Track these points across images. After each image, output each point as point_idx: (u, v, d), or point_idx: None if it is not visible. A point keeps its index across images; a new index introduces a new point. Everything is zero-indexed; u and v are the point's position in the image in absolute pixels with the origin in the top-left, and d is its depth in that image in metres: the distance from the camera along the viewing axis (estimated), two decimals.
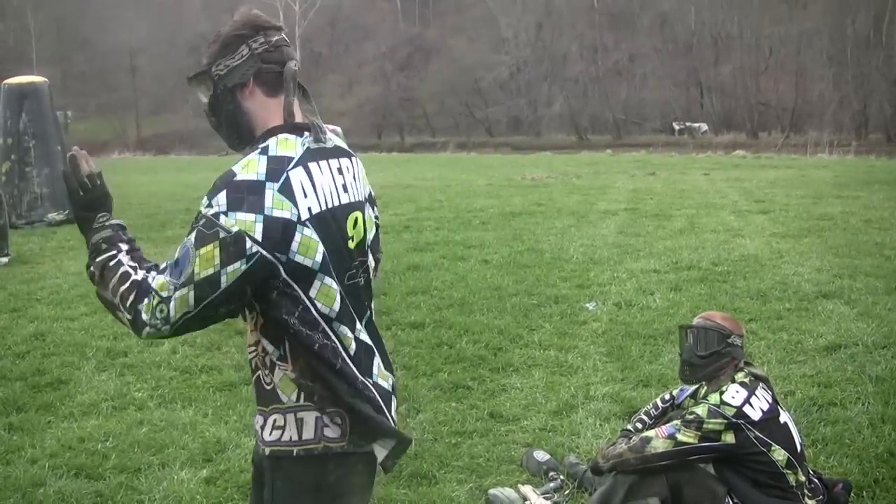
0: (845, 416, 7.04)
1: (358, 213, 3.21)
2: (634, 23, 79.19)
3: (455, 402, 7.66)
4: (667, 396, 5.89)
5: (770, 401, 5.13)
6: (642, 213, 20.13)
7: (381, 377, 3.27)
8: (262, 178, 2.94)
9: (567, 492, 5.86)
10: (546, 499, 5.77)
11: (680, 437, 4.99)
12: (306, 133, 3.12)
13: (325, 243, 2.99)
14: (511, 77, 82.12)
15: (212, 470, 6.33)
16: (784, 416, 5.16)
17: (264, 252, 2.86)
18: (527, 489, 5.85)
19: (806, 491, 5.06)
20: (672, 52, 77.43)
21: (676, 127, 70.56)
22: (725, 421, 4.94)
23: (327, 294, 3.03)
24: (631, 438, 5.29)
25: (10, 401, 7.92)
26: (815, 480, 5.23)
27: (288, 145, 3.05)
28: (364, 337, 3.22)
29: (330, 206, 3.04)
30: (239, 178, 2.95)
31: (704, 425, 4.96)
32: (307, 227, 2.95)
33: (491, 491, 5.82)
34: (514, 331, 9.89)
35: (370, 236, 3.30)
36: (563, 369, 8.53)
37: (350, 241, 3.14)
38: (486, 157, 55.15)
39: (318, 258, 2.98)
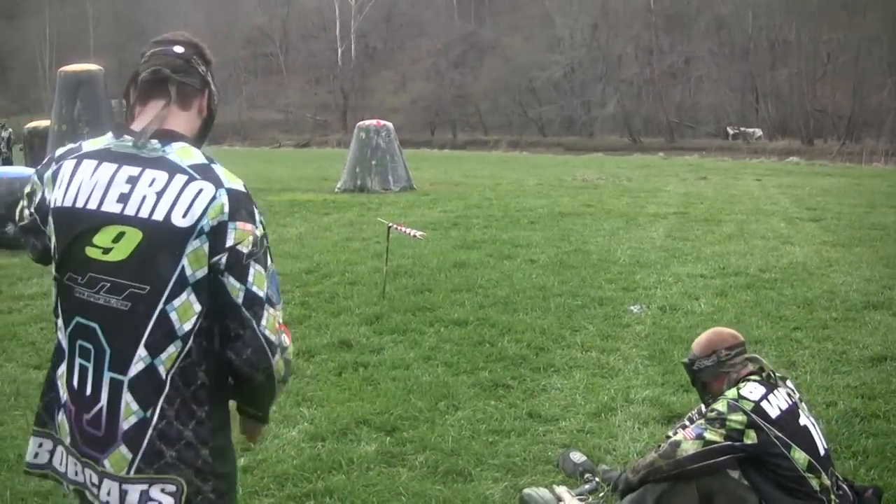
0: (888, 428, 6.96)
1: (130, 230, 2.98)
2: (691, 25, 78.73)
3: (494, 401, 7.64)
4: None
5: (789, 402, 5.10)
6: (692, 218, 20.05)
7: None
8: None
9: (602, 494, 5.83)
10: (580, 500, 5.75)
11: (707, 435, 4.96)
12: (125, 136, 3.10)
13: (56, 236, 3.10)
14: (565, 77, 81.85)
15: (249, 459, 6.35)
16: (804, 419, 5.12)
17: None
18: (561, 490, 5.83)
19: (833, 497, 5.02)
20: (728, 56, 76.87)
21: (730, 132, 70.03)
22: (745, 416, 4.93)
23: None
24: (660, 446, 5.28)
25: None
26: (844, 487, 5.18)
27: (96, 142, 3.18)
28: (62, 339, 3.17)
29: (78, 205, 3.03)
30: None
31: (727, 422, 4.94)
32: (51, 214, 3.11)
33: (525, 490, 5.81)
34: (556, 331, 9.86)
35: (158, 262, 2.96)
36: (605, 371, 8.50)
37: (92, 249, 3.02)
38: (537, 157, 55.17)
39: (51, 245, 3.15)
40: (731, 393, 5.09)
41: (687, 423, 5.66)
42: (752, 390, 5.06)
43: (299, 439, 6.73)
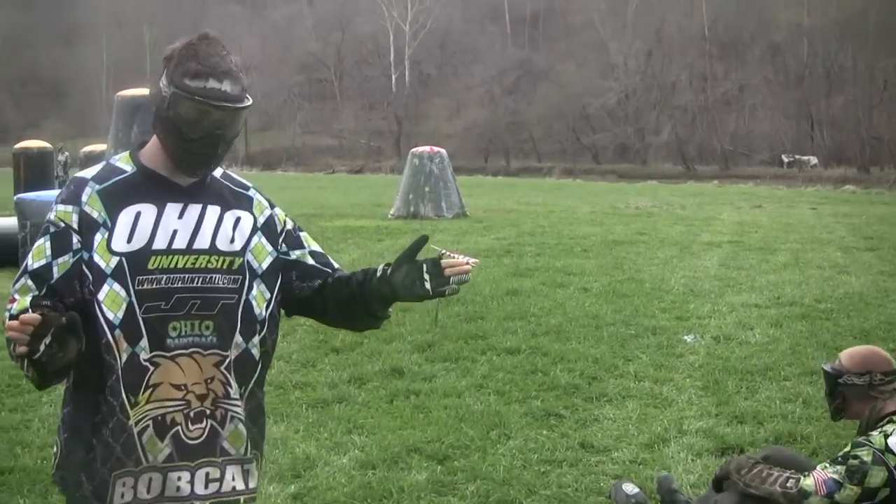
0: None
1: None
2: (745, 52, 78.50)
3: (546, 430, 7.60)
4: None
5: None
6: (746, 246, 19.92)
7: None
8: None
9: None
10: None
11: (839, 496, 4.66)
12: None
13: None
14: (619, 104, 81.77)
15: (300, 486, 6.36)
16: None
17: None
18: None
19: None
20: (783, 84, 76.55)
21: (785, 159, 69.67)
22: (887, 474, 4.64)
23: None
24: (788, 480, 4.98)
25: None
26: None
27: None
28: None
29: None
30: None
31: (866, 478, 4.64)
32: None
33: None
34: (609, 360, 9.80)
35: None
36: (658, 401, 8.43)
37: None
38: (590, 184, 55.13)
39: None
40: (878, 440, 4.75)
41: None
42: None
43: (350, 467, 6.72)
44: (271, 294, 3.39)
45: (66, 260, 3.12)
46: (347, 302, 3.45)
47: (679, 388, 8.88)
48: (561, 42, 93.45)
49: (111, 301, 3.10)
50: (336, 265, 3.59)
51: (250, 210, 3.41)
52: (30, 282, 3.10)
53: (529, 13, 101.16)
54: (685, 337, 10.93)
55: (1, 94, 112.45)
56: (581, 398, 8.51)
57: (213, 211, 3.29)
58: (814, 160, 68.58)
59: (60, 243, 3.13)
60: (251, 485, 3.34)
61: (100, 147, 33.90)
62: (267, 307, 3.37)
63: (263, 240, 3.40)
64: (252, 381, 3.36)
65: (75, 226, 3.13)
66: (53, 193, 19.26)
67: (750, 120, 77.77)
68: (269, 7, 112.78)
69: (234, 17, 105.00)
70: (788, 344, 10.45)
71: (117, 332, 3.10)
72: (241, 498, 3.32)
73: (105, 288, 3.10)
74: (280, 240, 3.46)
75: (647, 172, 68.44)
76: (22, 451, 7.10)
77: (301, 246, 3.52)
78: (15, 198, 18.97)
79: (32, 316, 2.82)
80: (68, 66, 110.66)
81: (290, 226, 3.52)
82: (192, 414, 3.20)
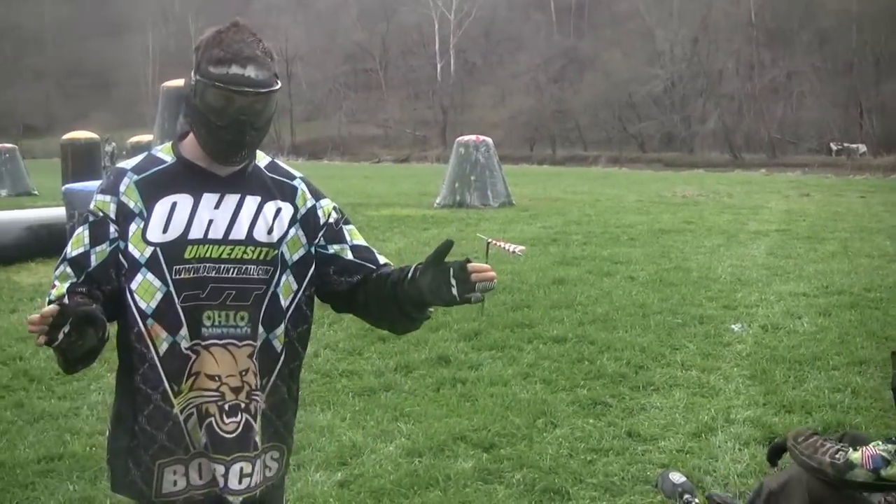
0: None
1: None
2: (793, 40, 77.68)
3: (593, 419, 7.60)
4: None
5: None
6: (794, 235, 19.79)
7: None
8: None
9: None
10: None
11: (886, 472, 4.67)
12: None
13: None
14: (665, 92, 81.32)
15: (346, 474, 6.40)
16: None
17: None
18: None
19: None
20: (831, 71, 75.76)
21: (834, 147, 69.02)
22: None
23: None
24: (838, 452, 4.94)
25: None
26: None
27: None
28: None
29: None
30: None
31: None
32: None
33: None
34: (656, 349, 9.78)
35: None
36: (705, 391, 8.40)
37: None
38: (637, 173, 54.95)
39: None
40: None
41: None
42: None
43: (396, 455, 6.75)
44: (299, 286, 3.40)
45: (104, 249, 3.17)
46: (385, 301, 3.42)
47: (726, 377, 8.84)
48: (606, 30, 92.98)
49: (144, 290, 3.16)
50: (381, 261, 3.57)
51: (293, 200, 3.42)
52: (69, 269, 3.16)
53: (575, 1, 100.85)
54: (732, 326, 10.88)
55: (49, 85, 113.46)
56: (628, 387, 8.50)
57: (251, 201, 3.30)
58: (863, 148, 67.87)
59: (98, 232, 3.19)
60: (260, 478, 3.37)
61: (146, 138, 34.00)
62: (293, 299, 3.39)
63: (300, 232, 3.40)
64: (274, 374, 3.37)
65: (112, 215, 3.19)
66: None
67: (798, 108, 77.09)
68: None
69: (279, 7, 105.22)
70: (837, 333, 10.37)
71: (150, 321, 3.16)
72: (257, 491, 3.35)
73: (138, 277, 3.16)
74: (319, 233, 3.46)
75: (694, 161, 68.04)
76: (71, 438, 7.18)
77: (341, 241, 3.51)
78: (63, 188, 19.14)
79: (51, 308, 2.88)
80: (115, 57, 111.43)
81: (333, 219, 3.51)
82: (226, 407, 3.23)
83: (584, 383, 8.58)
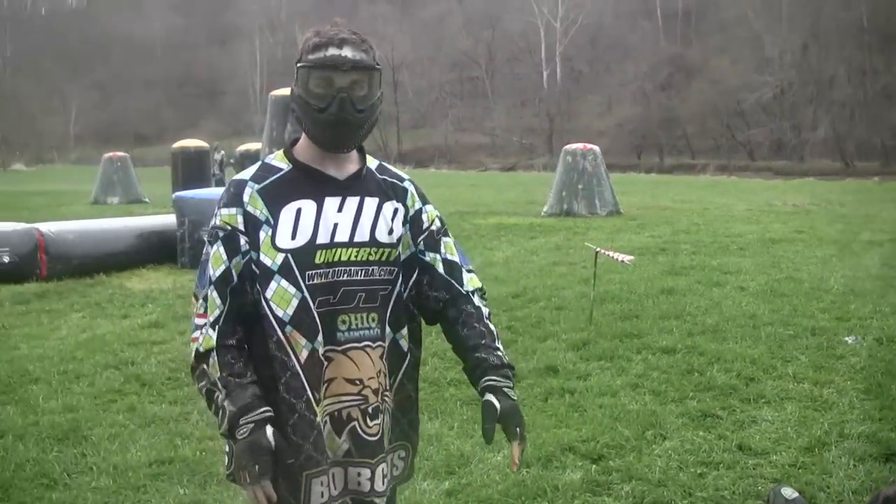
0: None
1: None
2: None
3: (703, 431, 7.52)
4: None
5: None
6: None
7: None
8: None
9: None
10: None
11: None
12: None
13: None
14: (774, 99, 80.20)
15: (454, 483, 6.41)
16: None
17: None
18: None
19: None
20: None
21: None
22: None
23: None
24: None
25: None
26: None
27: None
28: None
29: None
30: None
31: None
32: None
33: None
34: (767, 361, 9.65)
35: None
36: (817, 404, 8.27)
37: None
38: (746, 181, 54.40)
39: None
40: None
41: None
42: None
43: (504, 465, 6.72)
44: (407, 287, 3.44)
45: (239, 261, 3.20)
46: (459, 352, 3.55)
47: (840, 390, 8.69)
48: (714, 36, 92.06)
49: (279, 298, 3.17)
50: (465, 284, 3.57)
51: (404, 201, 3.47)
52: (214, 293, 3.18)
53: (682, 8, 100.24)
54: (846, 338, 10.69)
55: (160, 95, 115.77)
56: (738, 399, 8.40)
57: (371, 203, 3.35)
58: None
59: (232, 246, 3.21)
60: (390, 477, 3.45)
61: (255, 146, 34.60)
62: (407, 299, 3.45)
63: (409, 233, 3.45)
64: (401, 373, 3.42)
65: (241, 227, 3.20)
66: (210, 191, 19.81)
67: None
68: (418, 5, 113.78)
69: (385, 16, 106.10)
70: None
71: (288, 328, 3.17)
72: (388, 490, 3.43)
73: (272, 285, 3.17)
74: (421, 237, 3.49)
75: (804, 169, 67.03)
76: (181, 442, 7.31)
77: (437, 250, 3.53)
78: (173, 196, 19.52)
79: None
80: (223, 65, 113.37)
81: (435, 226, 3.55)
82: (370, 410, 3.28)
83: (694, 395, 8.50)
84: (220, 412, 3.11)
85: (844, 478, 6.48)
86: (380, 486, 3.32)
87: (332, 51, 3.16)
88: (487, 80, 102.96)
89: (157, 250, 17.17)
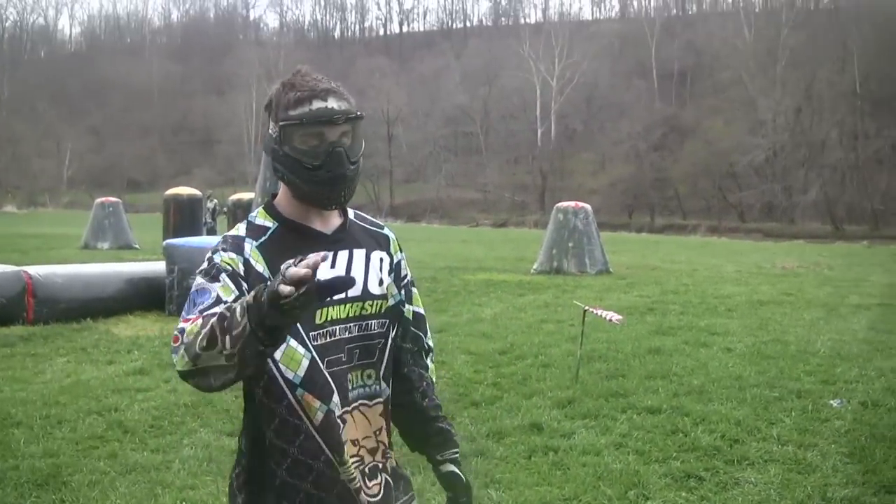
0: None
1: None
2: None
3: (686, 493, 7.51)
4: None
5: None
6: None
7: None
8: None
9: None
10: None
11: None
12: None
13: None
14: (766, 161, 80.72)
15: None
16: None
17: None
18: None
19: None
20: None
21: None
22: None
23: None
24: None
25: None
26: None
27: None
28: None
29: None
30: None
31: None
32: None
33: None
34: (752, 423, 9.63)
35: None
36: (801, 467, 8.25)
37: None
38: (736, 243, 54.58)
39: None
40: None
41: None
42: None
43: None
44: (396, 337, 3.39)
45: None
46: (408, 430, 3.50)
47: (824, 453, 8.68)
48: (709, 98, 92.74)
49: (289, 359, 3.05)
50: (428, 338, 3.57)
51: (388, 249, 3.39)
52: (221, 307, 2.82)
53: (677, 69, 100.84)
54: (831, 401, 10.68)
55: (154, 142, 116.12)
56: (722, 460, 8.38)
57: (359, 254, 3.25)
58: None
59: (236, 283, 2.99)
60: None
61: (247, 195, 34.65)
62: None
63: (393, 282, 3.37)
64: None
65: (242, 272, 3.02)
66: (201, 240, 19.80)
67: None
68: (416, 60, 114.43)
69: (382, 69, 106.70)
70: None
71: (299, 391, 3.05)
72: None
73: (282, 346, 2.98)
74: (402, 287, 3.44)
75: (794, 232, 67.35)
76: (162, 491, 7.28)
77: (410, 301, 3.49)
78: (164, 243, 19.52)
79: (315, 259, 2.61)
80: (219, 115, 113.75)
81: (409, 278, 3.51)
82: (367, 470, 3.18)
83: (678, 455, 8.49)
84: (231, 332, 2.66)
85: None
86: None
87: (317, 104, 3.02)
88: (482, 135, 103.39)
89: (146, 297, 17.12)
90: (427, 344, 3.54)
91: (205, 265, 3.07)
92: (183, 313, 2.96)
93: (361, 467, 3.15)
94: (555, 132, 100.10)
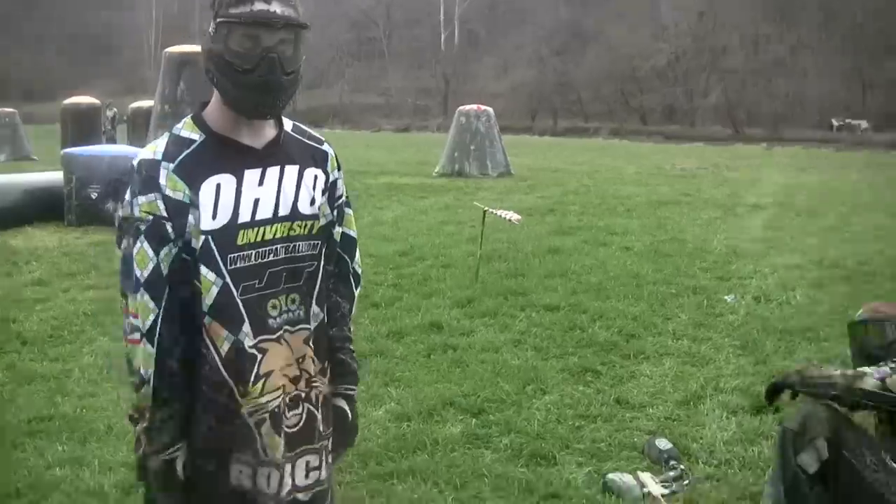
0: None
1: None
2: (798, 15, 77.39)
3: (583, 386, 7.62)
4: None
5: None
6: (791, 209, 19.82)
7: None
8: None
9: (686, 482, 5.79)
10: (664, 487, 5.71)
11: (889, 382, 4.86)
12: None
13: None
14: (669, 66, 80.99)
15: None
16: None
17: None
18: (645, 476, 5.79)
19: None
20: (836, 47, 75.49)
21: (836, 123, 68.80)
22: None
23: None
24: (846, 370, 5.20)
25: None
26: None
27: None
28: None
29: None
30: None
31: None
32: None
33: (609, 476, 5.77)
34: (648, 318, 9.80)
35: None
36: (695, 360, 8.42)
37: None
38: (637, 146, 54.96)
39: None
40: None
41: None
42: None
43: (385, 419, 6.77)
44: (328, 260, 3.22)
45: (168, 252, 2.89)
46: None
47: (717, 346, 8.86)
48: (612, 3, 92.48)
49: (201, 285, 2.91)
50: (356, 265, 3.43)
51: (325, 168, 3.21)
52: (146, 297, 2.88)
53: None
54: (726, 297, 10.90)
55: (52, 51, 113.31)
56: (618, 355, 8.52)
57: (291, 171, 3.06)
58: (865, 124, 67.63)
59: (157, 238, 2.88)
60: (327, 472, 3.19)
61: (147, 104, 34.05)
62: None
63: (327, 201, 3.19)
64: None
65: (163, 213, 2.88)
66: (100, 148, 19.46)
67: (801, 83, 76.80)
68: None
69: None
70: (829, 306, 10.39)
71: (207, 318, 2.92)
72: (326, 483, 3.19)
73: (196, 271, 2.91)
74: (335, 207, 3.25)
75: (695, 135, 67.81)
76: (62, 400, 7.21)
77: (341, 222, 3.31)
78: (62, 152, 19.15)
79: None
80: (120, 22, 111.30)
81: (344, 199, 3.32)
82: (287, 399, 3.03)
83: (575, 351, 8.61)
84: (138, 437, 2.93)
85: (717, 429, 6.63)
86: (301, 480, 3.10)
87: (259, 5, 2.83)
88: (385, 40, 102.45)
89: (44, 208, 16.78)
90: (354, 269, 3.38)
91: (121, 217, 2.96)
92: (123, 286, 2.94)
93: (283, 397, 3.00)
94: (458, 37, 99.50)
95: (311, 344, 3.08)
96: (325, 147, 3.26)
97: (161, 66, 20.79)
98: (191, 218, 2.87)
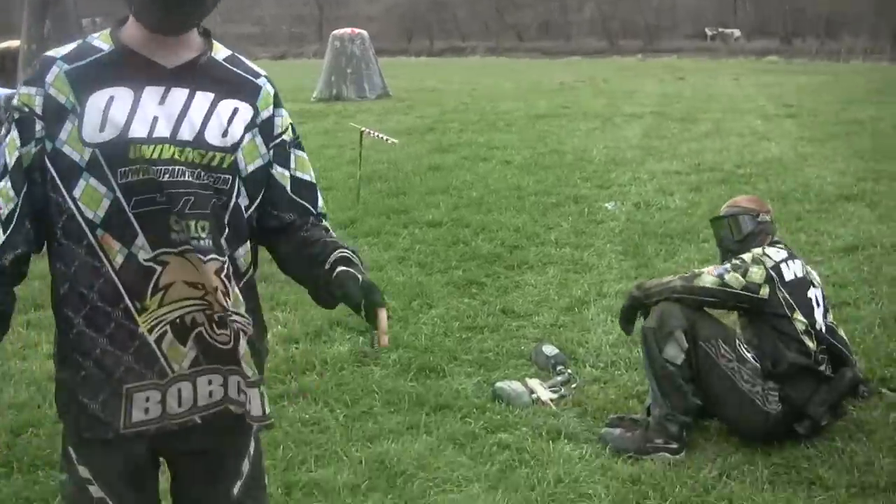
0: (858, 315, 7.04)
1: None
2: None
3: (468, 299, 7.66)
4: None
5: (803, 273, 5.34)
6: (668, 117, 20.02)
7: None
8: None
9: (574, 385, 5.86)
10: (553, 391, 5.78)
11: (727, 277, 5.17)
12: None
13: None
14: None
15: None
16: (813, 293, 5.33)
17: None
18: (534, 382, 5.85)
19: (821, 356, 5.22)
20: None
21: (709, 33, 69.55)
22: (765, 272, 5.15)
23: None
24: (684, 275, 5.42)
25: None
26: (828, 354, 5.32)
27: None
28: None
29: None
30: None
31: (749, 273, 5.15)
32: None
33: (498, 384, 5.82)
34: (531, 229, 9.87)
35: None
36: (578, 267, 8.52)
37: None
38: (515, 62, 54.98)
39: None
40: (757, 250, 5.32)
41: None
42: (777, 252, 5.31)
43: (273, 343, 6.68)
44: (251, 202, 2.94)
45: (30, 150, 2.74)
46: (302, 273, 3.03)
47: (599, 253, 8.97)
48: None
49: (89, 198, 2.72)
50: (320, 207, 3.10)
51: (254, 102, 2.93)
52: (8, 185, 2.73)
53: None
54: (606, 204, 11.01)
55: None
56: (502, 266, 8.58)
57: (203, 98, 2.82)
58: (737, 33, 68.48)
59: (25, 131, 2.74)
60: (267, 410, 2.92)
61: (15, 43, 33.11)
62: (252, 215, 2.97)
63: (258, 139, 2.91)
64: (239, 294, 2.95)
65: (39, 111, 2.72)
66: None
67: None
68: None
69: None
70: (707, 208, 10.53)
71: (99, 231, 2.74)
72: (260, 424, 2.93)
73: (81, 183, 2.72)
74: (271, 147, 2.95)
75: (571, 49, 68.10)
76: None
77: (286, 165, 3.00)
78: None
79: None
80: None
81: (288, 136, 3.01)
82: (216, 317, 2.84)
83: (459, 265, 8.64)
84: None
85: (602, 333, 6.74)
86: (234, 394, 2.90)
87: None
88: None
89: None
90: (317, 213, 3.09)
91: (13, 100, 2.82)
92: None
93: (209, 312, 2.82)
94: None
95: (223, 277, 2.83)
96: (260, 81, 2.99)
97: (25, 5, 20.21)
98: (68, 124, 2.71)
